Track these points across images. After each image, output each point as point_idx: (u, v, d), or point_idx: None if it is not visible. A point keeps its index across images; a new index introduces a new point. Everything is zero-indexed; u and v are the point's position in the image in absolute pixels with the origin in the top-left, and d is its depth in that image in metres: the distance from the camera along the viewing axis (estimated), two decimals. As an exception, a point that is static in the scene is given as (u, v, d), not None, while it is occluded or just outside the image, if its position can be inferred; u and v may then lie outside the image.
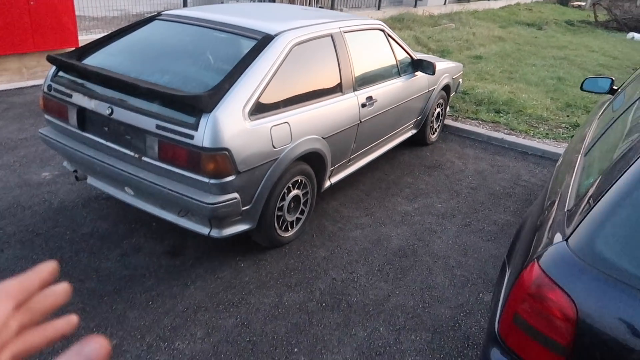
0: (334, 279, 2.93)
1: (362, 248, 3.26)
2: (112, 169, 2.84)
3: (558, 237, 1.53)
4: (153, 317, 2.52)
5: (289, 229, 3.21)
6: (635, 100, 2.27)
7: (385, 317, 2.66)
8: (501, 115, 6.27)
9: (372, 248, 3.27)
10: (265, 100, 2.76)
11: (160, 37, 3.30)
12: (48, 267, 0.48)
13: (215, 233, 2.75)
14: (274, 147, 2.80)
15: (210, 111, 2.50)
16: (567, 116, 6.61)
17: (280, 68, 2.89)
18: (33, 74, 6.17)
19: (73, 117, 2.97)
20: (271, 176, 2.83)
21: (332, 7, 11.62)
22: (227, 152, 2.51)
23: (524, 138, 5.50)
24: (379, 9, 13.06)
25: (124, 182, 2.91)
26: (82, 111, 2.92)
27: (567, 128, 6.09)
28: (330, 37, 3.37)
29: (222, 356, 2.31)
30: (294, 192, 3.13)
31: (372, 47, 3.89)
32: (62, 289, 0.49)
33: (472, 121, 5.95)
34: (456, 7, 16.92)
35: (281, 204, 3.05)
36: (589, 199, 1.53)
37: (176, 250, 3.07)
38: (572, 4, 25.49)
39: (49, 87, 3.06)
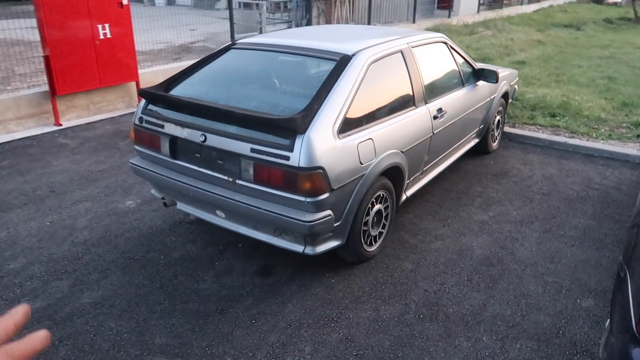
0: (425, 291, 2.95)
1: (446, 259, 3.27)
2: (205, 193, 2.96)
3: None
4: (259, 335, 2.60)
5: (373, 243, 3.26)
6: None
7: (485, 326, 2.66)
8: (558, 118, 6.19)
9: (457, 258, 3.28)
10: (350, 118, 2.84)
11: (240, 64, 3.45)
12: (21, 310, 0.52)
13: (309, 250, 2.82)
14: (361, 163, 2.87)
15: (304, 132, 2.60)
16: (626, 115, 6.46)
17: (360, 86, 2.97)
18: (99, 109, 6.49)
19: (165, 146, 3.12)
20: (359, 192, 2.90)
21: (368, 23, 11.78)
22: (322, 171, 2.60)
23: (587, 140, 5.42)
24: (414, 22, 13.15)
25: (215, 206, 3.03)
26: (174, 140, 3.07)
27: (629, 127, 5.95)
28: (400, 53, 3.45)
29: (334, 370, 2.37)
30: (377, 206, 3.18)
31: (437, 60, 3.95)
32: (42, 335, 0.52)
33: (530, 126, 5.90)
34: (489, 14, 16.84)
35: (366, 219, 3.11)
36: None
37: (267, 269, 3.16)
38: (607, 1, 24.97)
39: (140, 119, 3.24)
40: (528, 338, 2.57)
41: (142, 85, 6.83)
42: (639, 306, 1.66)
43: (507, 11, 18.04)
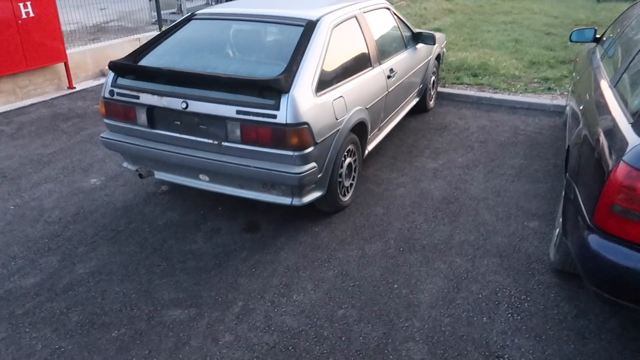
0: (400, 229, 3.32)
1: (411, 202, 3.66)
2: (189, 158, 3.09)
3: (633, 142, 1.97)
4: (262, 280, 2.82)
5: (346, 194, 3.56)
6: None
7: (456, 250, 3.08)
8: (480, 78, 6.81)
9: (420, 201, 3.68)
10: (323, 78, 3.09)
11: (206, 34, 3.54)
12: None
13: (296, 202, 3.06)
14: (336, 119, 3.14)
15: (288, 91, 2.81)
16: (535, 72, 7.23)
17: (327, 48, 3.21)
18: (26, 93, 6.16)
19: (142, 116, 3.19)
20: (335, 145, 3.17)
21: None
22: (307, 126, 2.84)
23: (508, 94, 6.06)
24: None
25: (200, 170, 3.17)
26: (150, 109, 3.14)
27: (539, 82, 6.70)
28: (355, 18, 3.72)
29: (337, 300, 2.66)
30: (348, 159, 3.47)
31: (384, 24, 4.27)
32: None
33: (458, 86, 6.46)
34: (400, -14, 17.50)
35: (340, 171, 3.39)
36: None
37: (253, 226, 3.36)
38: (501, -29, 26.67)
39: (111, 92, 3.26)
40: (492, 256, 3.02)
41: (71, 66, 6.55)
42: (589, 205, 2.10)
43: (415, -18, 18.81)
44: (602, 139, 2.27)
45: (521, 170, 4.15)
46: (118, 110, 3.27)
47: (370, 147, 3.93)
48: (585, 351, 2.32)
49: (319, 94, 3.00)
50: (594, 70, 3.38)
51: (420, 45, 4.86)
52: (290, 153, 2.86)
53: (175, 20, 3.67)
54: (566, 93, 6.07)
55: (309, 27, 3.23)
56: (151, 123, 3.19)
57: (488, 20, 11.97)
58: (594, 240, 2.05)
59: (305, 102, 2.86)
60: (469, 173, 4.12)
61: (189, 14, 3.72)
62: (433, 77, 5.53)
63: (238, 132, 2.92)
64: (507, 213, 3.50)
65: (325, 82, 3.10)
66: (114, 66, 3.21)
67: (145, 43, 3.50)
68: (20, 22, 5.72)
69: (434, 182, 3.96)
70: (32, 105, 5.91)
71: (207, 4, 11.77)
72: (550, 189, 3.83)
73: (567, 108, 4.59)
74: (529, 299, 2.66)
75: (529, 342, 2.37)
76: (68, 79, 6.58)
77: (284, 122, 2.79)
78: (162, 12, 10.33)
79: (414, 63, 4.68)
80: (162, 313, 2.59)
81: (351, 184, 3.62)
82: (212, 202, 3.65)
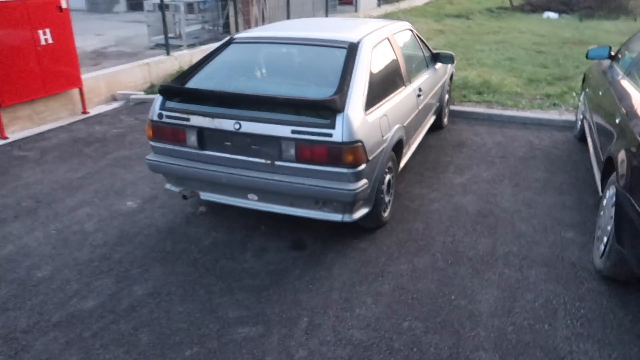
0: (443, 242, 3.41)
1: (448, 216, 3.77)
2: (241, 178, 3.16)
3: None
4: (322, 296, 2.88)
5: (386, 210, 3.65)
6: None
7: (502, 262, 3.18)
8: (485, 95, 7.02)
9: (456, 215, 3.79)
10: (369, 97, 3.21)
11: (247, 57, 3.65)
12: None
13: (347, 218, 3.15)
14: (382, 137, 3.25)
15: (343, 110, 2.91)
16: (535, 89, 7.49)
17: (370, 69, 3.34)
18: (42, 119, 6.16)
19: (192, 138, 3.25)
20: (382, 162, 3.28)
21: (288, 18, 12.11)
22: (361, 143, 2.94)
23: (517, 111, 6.27)
24: (327, 15, 13.72)
25: (249, 189, 3.24)
26: (201, 131, 3.22)
27: (542, 98, 6.94)
28: (387, 40, 3.87)
29: (400, 313, 2.73)
30: (387, 176, 3.58)
31: (409, 45, 4.43)
32: None
33: (466, 103, 6.66)
34: (389, 8, 17.99)
35: (381, 188, 3.49)
36: None
37: (299, 244, 3.43)
38: (482, -7, 27.51)
39: (160, 115, 3.32)
40: (538, 265, 3.13)
41: (86, 92, 6.59)
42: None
43: (403, 4, 19.34)
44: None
45: (546, 184, 4.30)
46: (167, 132, 3.34)
47: (402, 164, 4.04)
48: (648, 353, 2.43)
49: (367, 112, 3.11)
50: (620, 85, 3.56)
51: (438, 65, 5.04)
52: (345, 170, 2.95)
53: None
54: (572, 109, 6.30)
55: (352, 49, 3.36)
56: (201, 144, 3.26)
57: (479, 40, 12.33)
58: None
59: (358, 121, 2.97)
60: (496, 187, 4.25)
61: (228, 37, 3.82)
62: (447, 96, 5.71)
63: (292, 151, 3.00)
64: (542, 224, 3.63)
65: (371, 101, 3.22)
66: (165, 90, 3.28)
67: (189, 67, 3.59)
68: (39, 48, 5.76)
69: (465, 197, 4.07)
70: (50, 130, 5.92)
71: (203, 29, 11.91)
72: (578, 200, 3.98)
73: (584, 122, 4.78)
74: (583, 305, 2.76)
75: (593, 347, 2.46)
76: (82, 104, 6.61)
77: (340, 140, 2.88)
78: (159, 37, 10.46)
79: (435, 82, 4.85)
80: (230, 331, 2.62)
81: (389, 200, 3.71)
82: (253, 221, 3.71)
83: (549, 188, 4.21)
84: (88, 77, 6.79)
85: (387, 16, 15.91)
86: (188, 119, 3.23)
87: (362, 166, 2.99)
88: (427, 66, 4.73)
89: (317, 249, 3.37)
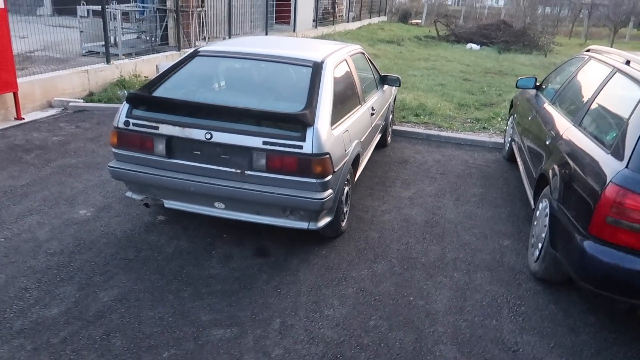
0: (398, 249, 3.68)
1: (399, 226, 4.05)
2: (209, 186, 3.24)
3: (617, 167, 2.51)
4: (291, 299, 3.02)
5: (344, 219, 3.87)
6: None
7: (452, 266, 3.49)
8: (422, 117, 7.53)
9: (407, 225, 4.08)
10: (334, 113, 3.43)
11: (213, 70, 3.75)
12: None
13: (312, 226, 3.32)
14: (345, 150, 3.48)
15: (312, 124, 3.11)
16: (465, 113, 8.14)
17: (334, 87, 3.58)
18: (-28, 123, 5.81)
19: (160, 146, 3.30)
20: (344, 174, 3.50)
21: (229, 34, 12.20)
22: (328, 155, 3.15)
23: (452, 132, 6.79)
24: (266, 33, 13.96)
25: (216, 198, 3.33)
26: (169, 140, 3.28)
27: (472, 122, 7.56)
28: (345, 61, 4.14)
29: (365, 313, 2.93)
30: (346, 188, 3.80)
31: (362, 67, 4.74)
32: None
33: (406, 124, 7.11)
34: (325, 30, 18.58)
35: (341, 198, 3.71)
36: (626, 139, 2.56)
37: (263, 251, 3.54)
38: (410, 22, 29.19)
39: (126, 122, 3.34)
40: (483, 270, 3.48)
41: (20, 97, 6.29)
42: (581, 219, 2.62)
43: (338, 27, 20.04)
44: (587, 166, 2.82)
45: (483, 198, 4.73)
46: (133, 140, 3.35)
47: (356, 177, 4.30)
48: (579, 342, 2.80)
49: (333, 127, 3.33)
50: (546, 112, 4.06)
51: (386, 87, 5.40)
52: (313, 180, 3.13)
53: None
54: (499, 132, 6.93)
55: (317, 68, 3.58)
56: (169, 153, 3.30)
57: (411, 66, 13.10)
58: (591, 247, 2.55)
59: (327, 135, 3.18)
60: (440, 200, 4.62)
61: (193, 50, 3.91)
62: (391, 116, 6.09)
63: (263, 161, 3.14)
64: (483, 234, 4.01)
65: (335, 117, 3.44)
66: (133, 98, 3.31)
67: (155, 78, 3.64)
68: (-27, 49, 5.47)
69: (413, 209, 4.40)
70: (-19, 136, 5.59)
71: (138, 38, 11.69)
72: (511, 212, 4.43)
73: (513, 144, 5.32)
74: (523, 303, 3.12)
75: (534, 338, 2.80)
76: (17, 110, 6.30)
77: (310, 152, 3.07)
78: (92, 43, 10.15)
79: (383, 102, 5.20)
80: (205, 333, 2.69)
81: (346, 211, 3.94)
82: (215, 229, 3.78)
83: (485, 202, 4.65)
84: (22, 81, 6.49)
85: (324, 38, 16.44)
86: (157, 127, 3.27)
87: (329, 177, 3.19)
88: (377, 87, 5.06)
89: (280, 255, 3.50)
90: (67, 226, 3.73)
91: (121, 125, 3.36)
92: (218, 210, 3.41)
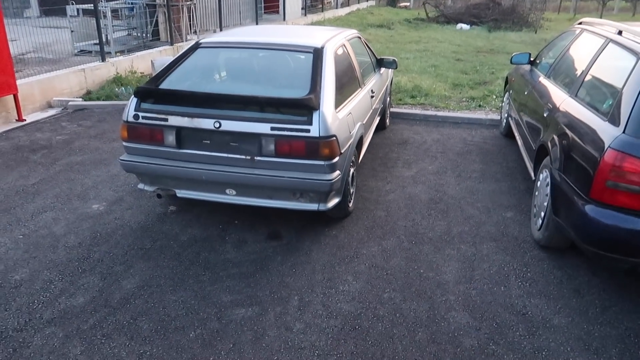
0: (405, 226, 3.80)
1: (405, 204, 4.17)
2: (220, 174, 3.34)
3: (614, 133, 2.63)
4: (306, 278, 3.14)
5: (350, 200, 3.98)
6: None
7: (458, 239, 3.62)
8: (418, 98, 7.63)
9: (412, 203, 4.20)
10: (337, 96, 3.52)
11: (215, 61, 3.83)
12: None
13: (322, 207, 3.43)
14: (350, 132, 3.58)
15: (318, 108, 3.20)
16: (460, 93, 8.23)
17: (335, 71, 3.66)
18: (-25, 126, 5.87)
19: (170, 137, 3.39)
20: (349, 156, 3.60)
21: (220, 27, 12.20)
22: (335, 138, 3.24)
23: (448, 112, 6.90)
24: (257, 24, 13.95)
25: (227, 185, 3.42)
26: (179, 131, 3.36)
27: (468, 101, 7.66)
28: (344, 46, 4.22)
29: (379, 287, 3.06)
30: (351, 169, 3.91)
31: (360, 50, 4.82)
32: None
33: (403, 106, 7.20)
34: (315, 17, 18.57)
35: (348, 179, 3.81)
36: (622, 106, 2.67)
37: (275, 234, 3.65)
38: (399, 5, 29.12)
39: (136, 116, 3.42)
40: (488, 241, 3.60)
41: (21, 98, 6.34)
42: (582, 185, 2.74)
43: (327, 14, 20.01)
44: (585, 135, 2.93)
45: (483, 174, 4.85)
46: (143, 133, 3.43)
47: (360, 159, 4.40)
48: (584, 302, 2.94)
49: (337, 110, 3.43)
50: (542, 86, 4.17)
51: (383, 70, 5.48)
52: (321, 163, 3.23)
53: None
54: (495, 109, 7.04)
55: (318, 54, 3.66)
56: (179, 143, 3.39)
57: (403, 49, 13.15)
58: (592, 210, 2.67)
59: (332, 118, 3.27)
60: (442, 178, 4.74)
61: (194, 42, 3.97)
62: (388, 98, 6.18)
63: (272, 146, 3.24)
64: (486, 207, 4.13)
65: (339, 100, 3.53)
66: (141, 92, 3.39)
67: (160, 71, 3.71)
68: (-28, 53, 5.50)
69: (416, 187, 4.51)
70: (-14, 138, 5.65)
71: (129, 35, 11.68)
72: (512, 186, 4.56)
73: (510, 120, 5.43)
74: (529, 270, 3.25)
75: (542, 301, 2.94)
76: (17, 111, 6.35)
77: (317, 135, 3.17)
78: (84, 42, 10.13)
79: (382, 85, 5.28)
80: (228, 313, 2.81)
81: (353, 191, 4.05)
82: (226, 217, 3.88)
83: (486, 177, 4.77)
84: (21, 83, 6.53)
85: (315, 24, 16.43)
86: (166, 119, 3.35)
87: (336, 158, 3.29)
88: (374, 70, 5.15)
89: (292, 238, 3.61)
90: (82, 220, 3.83)
91: (130, 119, 3.44)
92: (230, 197, 3.51)
